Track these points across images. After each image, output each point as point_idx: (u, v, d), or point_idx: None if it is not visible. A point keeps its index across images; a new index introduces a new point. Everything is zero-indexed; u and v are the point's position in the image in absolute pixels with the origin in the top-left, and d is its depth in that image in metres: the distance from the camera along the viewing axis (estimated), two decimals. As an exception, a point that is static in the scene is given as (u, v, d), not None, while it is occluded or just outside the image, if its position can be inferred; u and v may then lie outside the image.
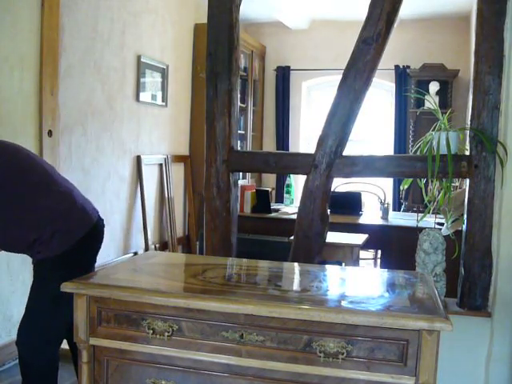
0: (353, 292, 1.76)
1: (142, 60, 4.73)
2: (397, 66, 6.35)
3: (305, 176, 2.57)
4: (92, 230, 2.19)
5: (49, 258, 2.08)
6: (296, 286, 1.82)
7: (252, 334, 1.47)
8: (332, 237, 3.42)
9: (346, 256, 3.68)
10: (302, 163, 2.59)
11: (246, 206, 4.74)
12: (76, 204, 2.17)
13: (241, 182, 5.80)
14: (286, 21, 6.45)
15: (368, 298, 1.63)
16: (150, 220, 4.96)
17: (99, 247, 2.27)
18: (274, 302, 1.48)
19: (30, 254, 2.15)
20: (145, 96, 4.85)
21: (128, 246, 4.69)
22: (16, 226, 2.07)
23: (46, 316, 2.09)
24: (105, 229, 2.30)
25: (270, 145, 7.03)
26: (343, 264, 3.66)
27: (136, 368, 1.59)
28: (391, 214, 4.79)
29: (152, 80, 5.00)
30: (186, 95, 5.70)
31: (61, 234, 2.09)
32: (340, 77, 2.50)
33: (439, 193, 2.51)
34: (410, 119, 6.25)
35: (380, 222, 4.46)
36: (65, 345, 2.26)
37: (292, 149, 6.94)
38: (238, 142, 4.41)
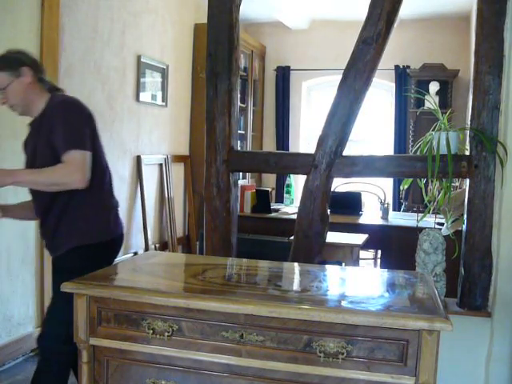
0: (353, 292, 1.76)
1: (142, 60, 4.73)
2: (397, 66, 6.35)
3: (305, 176, 2.57)
4: (119, 237, 2.27)
5: (75, 248, 2.09)
6: (296, 286, 1.82)
7: (252, 334, 1.47)
8: (332, 237, 3.43)
9: (346, 256, 3.68)
10: (301, 163, 2.59)
11: (246, 205, 4.73)
12: (116, 208, 2.26)
13: (241, 182, 5.80)
14: (286, 21, 6.45)
15: (368, 297, 1.63)
16: (150, 220, 4.95)
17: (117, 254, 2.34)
18: (274, 301, 1.48)
19: (53, 236, 2.13)
20: (145, 96, 4.85)
21: (128, 246, 4.69)
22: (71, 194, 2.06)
23: (69, 309, 2.09)
24: None
25: (269, 145, 7.02)
26: (343, 264, 3.66)
27: (136, 368, 1.59)
28: (391, 214, 4.80)
29: (152, 80, 5.00)
30: (186, 95, 5.70)
31: (101, 224, 2.14)
32: (340, 77, 2.50)
33: (439, 193, 2.51)
34: (410, 119, 6.24)
35: (380, 221, 4.46)
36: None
37: (292, 149, 6.94)
38: (238, 141, 4.42)
